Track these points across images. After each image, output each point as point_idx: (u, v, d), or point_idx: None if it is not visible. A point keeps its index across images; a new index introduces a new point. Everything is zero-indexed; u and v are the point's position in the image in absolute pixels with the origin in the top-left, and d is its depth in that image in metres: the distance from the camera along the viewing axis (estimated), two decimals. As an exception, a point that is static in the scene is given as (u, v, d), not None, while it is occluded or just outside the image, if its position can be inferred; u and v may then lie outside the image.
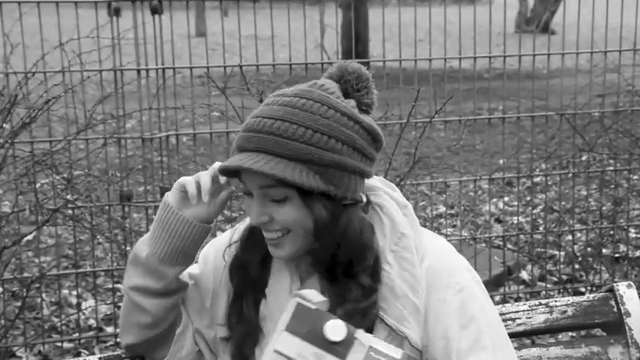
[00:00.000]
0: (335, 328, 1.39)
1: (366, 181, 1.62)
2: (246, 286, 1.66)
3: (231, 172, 1.57)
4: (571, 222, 4.68)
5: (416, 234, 1.61)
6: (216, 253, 1.75)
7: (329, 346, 1.39)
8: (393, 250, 1.57)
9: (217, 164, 1.60)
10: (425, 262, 1.58)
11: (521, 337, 2.09)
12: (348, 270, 1.56)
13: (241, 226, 1.72)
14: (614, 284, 2.06)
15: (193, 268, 1.77)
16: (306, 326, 1.40)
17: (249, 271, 1.65)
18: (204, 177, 1.60)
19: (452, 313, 1.56)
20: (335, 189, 1.51)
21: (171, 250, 1.62)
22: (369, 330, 1.52)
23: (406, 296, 1.55)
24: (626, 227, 4.64)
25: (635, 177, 5.62)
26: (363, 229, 1.56)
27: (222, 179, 1.60)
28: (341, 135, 1.51)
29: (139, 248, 1.66)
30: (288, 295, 1.60)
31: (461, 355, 1.55)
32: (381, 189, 1.65)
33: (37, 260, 4.56)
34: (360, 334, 1.41)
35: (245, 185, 1.56)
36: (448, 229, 5.21)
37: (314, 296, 1.43)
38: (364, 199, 1.59)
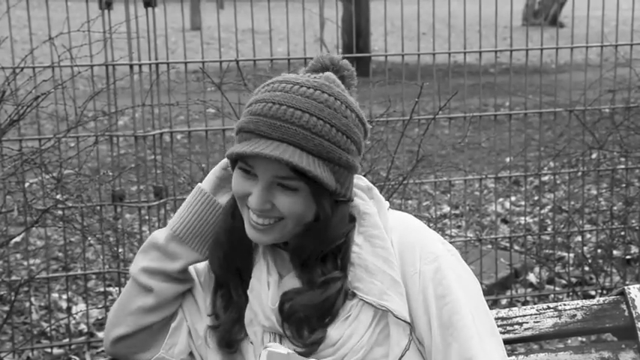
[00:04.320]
0: None
1: None
2: (232, 274, 1.70)
3: (241, 155, 1.56)
4: (580, 222, 4.68)
5: (381, 211, 1.66)
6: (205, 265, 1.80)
7: None
8: (361, 232, 1.63)
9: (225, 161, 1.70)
10: (394, 236, 1.63)
11: (529, 342, 2.09)
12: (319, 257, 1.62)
13: None
14: (626, 287, 2.06)
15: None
16: None
17: (234, 259, 1.69)
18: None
19: (428, 283, 1.60)
20: (340, 187, 1.59)
21: (193, 230, 1.70)
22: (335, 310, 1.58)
23: (381, 271, 1.59)
24: (637, 228, 4.63)
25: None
26: (348, 222, 1.64)
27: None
28: (354, 136, 1.59)
29: (155, 236, 1.73)
30: (267, 291, 1.65)
31: (443, 328, 1.58)
32: None
33: (25, 263, 4.55)
34: None
35: (253, 169, 1.57)
36: (453, 230, 5.20)
37: (282, 347, 1.50)
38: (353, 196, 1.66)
